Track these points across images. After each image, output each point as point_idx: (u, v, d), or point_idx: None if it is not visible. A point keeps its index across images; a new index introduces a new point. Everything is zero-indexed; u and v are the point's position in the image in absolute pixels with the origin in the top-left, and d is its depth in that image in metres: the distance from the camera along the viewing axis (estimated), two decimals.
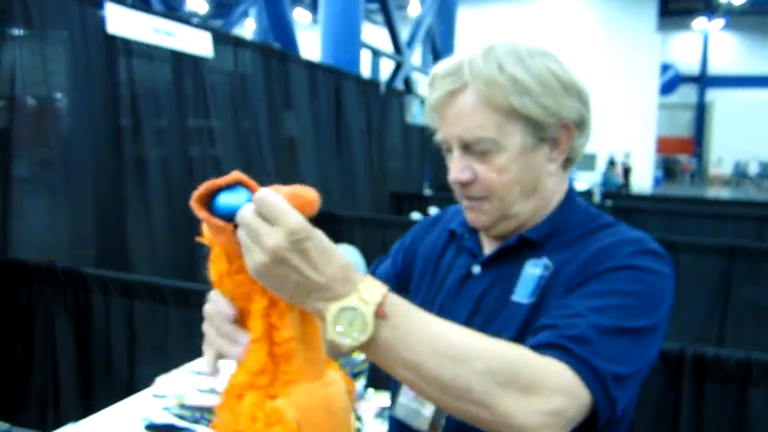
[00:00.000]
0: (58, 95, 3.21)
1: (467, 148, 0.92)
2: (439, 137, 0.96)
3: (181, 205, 3.64)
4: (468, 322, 0.92)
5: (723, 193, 20.68)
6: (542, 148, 0.93)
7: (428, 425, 0.95)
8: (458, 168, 0.93)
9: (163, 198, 3.53)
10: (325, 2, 8.12)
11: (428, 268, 1.08)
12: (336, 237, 4.13)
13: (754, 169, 25.45)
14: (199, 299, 2.46)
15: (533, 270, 0.93)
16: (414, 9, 18.37)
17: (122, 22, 3.28)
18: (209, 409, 1.70)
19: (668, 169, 26.38)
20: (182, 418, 1.66)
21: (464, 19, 16.73)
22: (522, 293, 0.92)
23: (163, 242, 3.52)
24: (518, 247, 0.96)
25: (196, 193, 0.65)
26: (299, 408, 0.65)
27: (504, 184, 0.92)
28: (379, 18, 13.30)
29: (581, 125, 0.95)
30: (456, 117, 0.91)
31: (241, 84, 4.40)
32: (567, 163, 0.98)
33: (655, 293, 0.84)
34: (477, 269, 1.00)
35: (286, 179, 4.46)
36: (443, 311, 0.96)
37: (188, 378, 1.92)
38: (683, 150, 27.21)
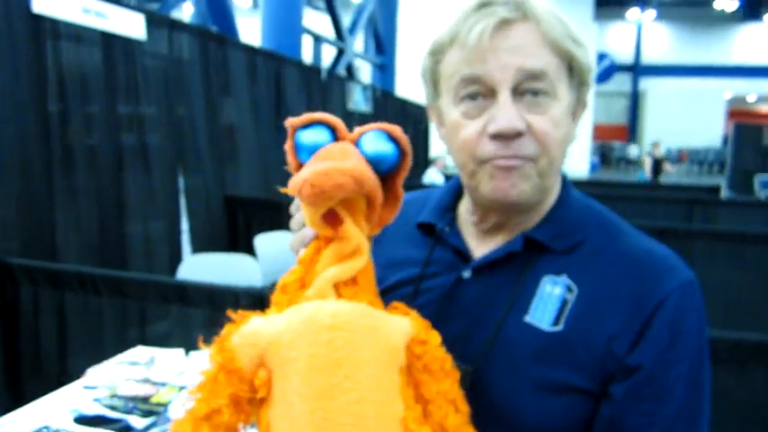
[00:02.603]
0: None
1: (517, 91, 0.76)
2: (473, 73, 0.77)
3: (111, 194, 3.53)
4: (466, 337, 0.81)
5: None
6: (571, 116, 0.82)
7: None
8: (511, 116, 0.75)
9: (92, 187, 3.41)
10: None
11: (390, 272, 0.91)
12: (279, 225, 4.09)
13: (684, 155, 26.50)
14: (132, 288, 2.41)
15: (552, 290, 0.79)
16: None
17: (49, 1, 3.15)
18: (142, 399, 1.66)
19: (603, 156, 27.17)
20: (113, 408, 1.62)
21: (406, 6, 16.73)
22: (541, 317, 0.78)
23: (92, 232, 3.40)
24: (523, 252, 0.82)
25: (291, 125, 0.70)
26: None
27: (558, 140, 0.78)
28: (321, 4, 13.18)
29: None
30: (514, 48, 0.75)
31: (176, 68, 4.27)
32: None
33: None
34: (467, 273, 0.84)
35: (224, 168, 4.39)
36: (430, 320, 0.83)
37: (120, 368, 1.87)
38: (619, 137, 28.06)
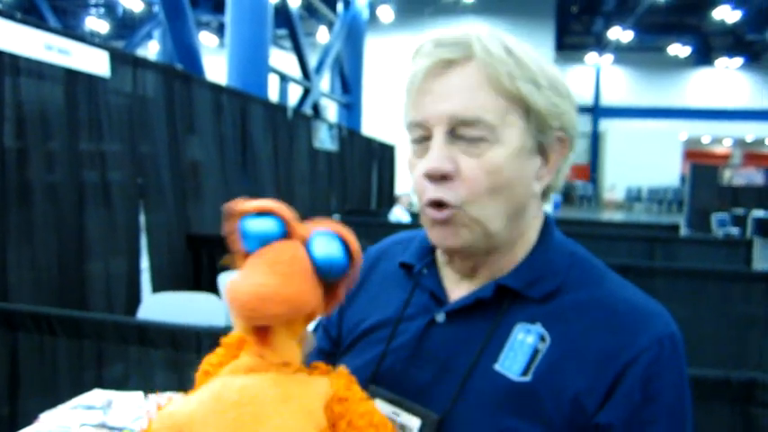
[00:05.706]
0: None
1: (453, 133, 0.74)
2: (413, 119, 0.77)
3: (71, 232, 3.45)
4: (436, 383, 0.78)
5: (617, 216, 21.88)
6: (535, 159, 0.77)
7: None
8: (438, 157, 0.73)
9: (51, 225, 3.32)
10: (232, 26, 8.06)
11: (372, 312, 0.89)
12: None
13: (644, 194, 27.16)
14: (90, 328, 2.33)
15: (524, 338, 0.75)
16: (322, 36, 18.53)
17: (10, 37, 3.11)
18: None
19: (566, 194, 27.65)
20: None
21: (371, 47, 17.00)
22: (510, 366, 0.74)
23: (50, 271, 3.30)
24: (495, 298, 0.79)
25: (239, 212, 0.67)
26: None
27: (492, 188, 0.74)
28: (288, 44, 13.31)
29: (571, 146, 0.81)
30: (449, 92, 0.73)
31: (140, 106, 4.24)
32: (546, 190, 0.82)
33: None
34: (441, 317, 0.81)
35: (188, 205, 4.33)
36: (398, 366, 0.81)
37: (75, 413, 1.80)
38: (581, 176, 28.64)
